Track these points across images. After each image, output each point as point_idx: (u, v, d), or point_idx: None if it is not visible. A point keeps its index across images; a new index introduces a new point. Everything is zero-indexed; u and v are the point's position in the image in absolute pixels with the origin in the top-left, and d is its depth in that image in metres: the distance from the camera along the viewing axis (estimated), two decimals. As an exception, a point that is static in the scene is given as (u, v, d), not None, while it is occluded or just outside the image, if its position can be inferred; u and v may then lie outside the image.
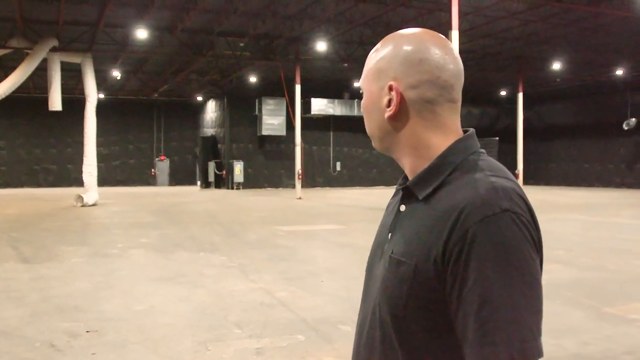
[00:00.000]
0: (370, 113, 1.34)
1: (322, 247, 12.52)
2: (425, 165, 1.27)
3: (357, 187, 38.48)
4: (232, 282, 8.71)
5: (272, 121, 36.16)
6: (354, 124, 37.15)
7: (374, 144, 1.38)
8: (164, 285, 8.52)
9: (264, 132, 36.30)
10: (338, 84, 34.51)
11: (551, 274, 8.15)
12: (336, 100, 36.55)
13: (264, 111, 35.99)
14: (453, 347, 1.16)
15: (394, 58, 1.29)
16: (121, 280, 8.97)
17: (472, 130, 1.32)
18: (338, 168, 39.55)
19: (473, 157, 1.25)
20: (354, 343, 1.41)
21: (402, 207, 1.31)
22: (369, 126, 1.36)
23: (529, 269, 1.12)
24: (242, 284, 8.59)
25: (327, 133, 38.81)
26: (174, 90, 38.91)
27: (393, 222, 1.32)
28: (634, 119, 33.91)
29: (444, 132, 1.28)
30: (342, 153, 39.45)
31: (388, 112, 1.29)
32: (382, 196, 22.07)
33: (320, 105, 36.28)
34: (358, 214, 19.77)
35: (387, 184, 38.43)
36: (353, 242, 12.70)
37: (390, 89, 1.28)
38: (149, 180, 42.71)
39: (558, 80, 34.77)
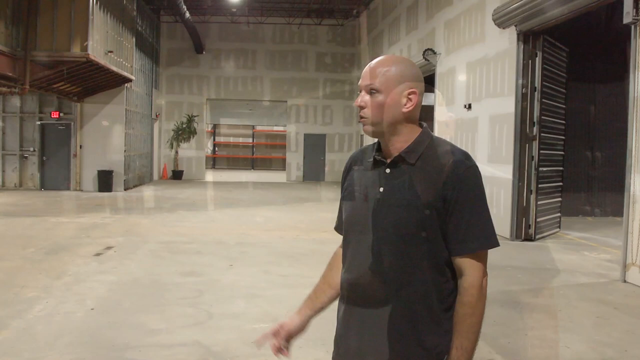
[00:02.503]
0: (389, 107, 1.92)
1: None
2: (407, 143, 1.93)
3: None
4: None
5: None
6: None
7: (373, 128, 1.96)
8: None
9: None
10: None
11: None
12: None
13: None
14: (435, 250, 1.88)
15: (409, 73, 1.94)
16: None
17: (425, 123, 2.02)
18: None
19: (436, 137, 1.97)
20: (349, 266, 2.02)
21: (388, 170, 1.95)
22: (384, 116, 1.93)
23: (486, 200, 1.94)
24: None
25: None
26: None
27: (379, 180, 1.95)
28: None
29: (417, 123, 1.98)
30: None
31: (406, 109, 1.93)
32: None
33: None
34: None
35: None
36: None
37: (411, 93, 1.92)
38: None
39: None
